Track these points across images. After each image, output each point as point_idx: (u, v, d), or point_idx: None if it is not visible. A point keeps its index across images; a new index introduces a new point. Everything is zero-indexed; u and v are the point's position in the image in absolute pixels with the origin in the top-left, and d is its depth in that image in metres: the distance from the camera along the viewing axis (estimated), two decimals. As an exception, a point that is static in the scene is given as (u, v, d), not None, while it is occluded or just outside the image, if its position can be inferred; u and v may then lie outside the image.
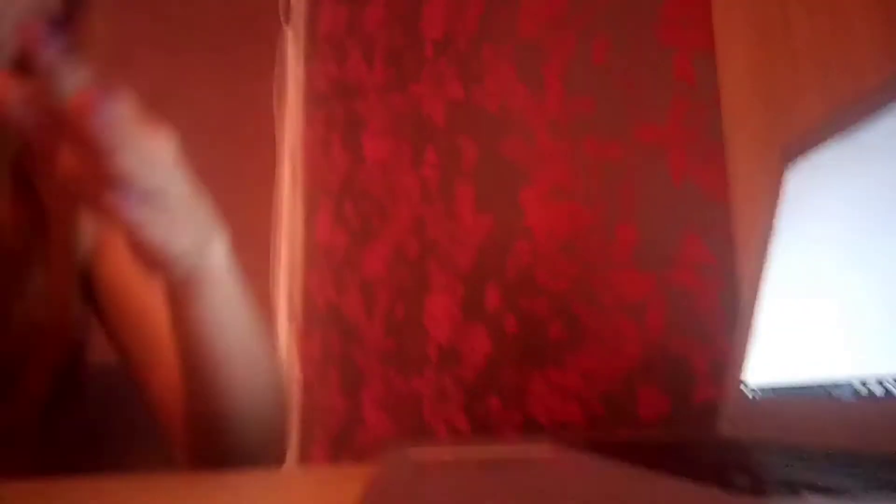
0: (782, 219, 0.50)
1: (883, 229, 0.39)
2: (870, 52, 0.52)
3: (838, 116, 0.46)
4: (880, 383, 0.37)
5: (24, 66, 0.46)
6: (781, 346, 0.47)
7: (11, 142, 0.60)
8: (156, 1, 1.48)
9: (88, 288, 0.64)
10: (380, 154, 1.31)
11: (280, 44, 1.67)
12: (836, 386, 0.40)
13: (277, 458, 0.57)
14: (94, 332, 0.66)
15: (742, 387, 0.49)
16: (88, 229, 0.64)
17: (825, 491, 0.21)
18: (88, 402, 0.69)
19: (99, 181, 0.40)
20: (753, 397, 0.48)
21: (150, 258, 0.45)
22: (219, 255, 0.50)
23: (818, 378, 0.42)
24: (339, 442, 1.35)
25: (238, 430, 0.52)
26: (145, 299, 0.61)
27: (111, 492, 0.39)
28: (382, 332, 1.23)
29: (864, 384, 0.38)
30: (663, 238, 0.72)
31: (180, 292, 0.48)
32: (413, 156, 1.20)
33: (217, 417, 0.51)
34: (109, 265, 0.64)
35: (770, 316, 0.49)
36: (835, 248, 0.44)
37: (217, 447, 0.53)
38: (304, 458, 1.49)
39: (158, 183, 0.43)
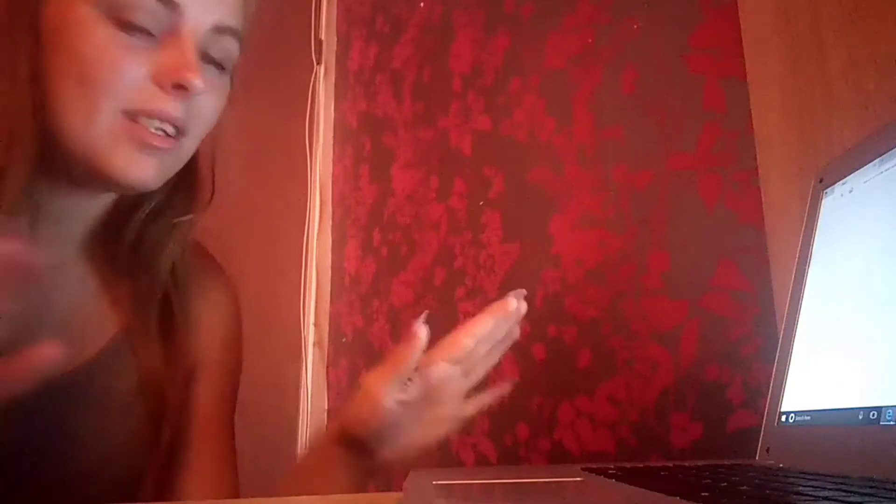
0: (818, 243, 0.50)
1: (922, 251, 0.39)
2: (903, 78, 0.52)
3: (873, 140, 0.46)
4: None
5: None
6: (819, 372, 0.46)
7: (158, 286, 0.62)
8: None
9: None
10: (408, 185, 1.33)
11: (312, 82, 1.71)
12: (876, 411, 0.39)
13: None
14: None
15: (778, 413, 0.48)
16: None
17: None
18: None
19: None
20: (790, 424, 0.47)
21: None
22: None
23: (857, 403, 0.41)
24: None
25: None
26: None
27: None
28: (409, 361, 1.23)
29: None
30: (696, 264, 0.71)
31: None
32: (441, 186, 1.21)
33: None
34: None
35: (807, 341, 0.48)
36: (872, 272, 0.43)
37: None
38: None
39: None
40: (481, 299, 1.05)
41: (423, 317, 0.58)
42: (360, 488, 0.60)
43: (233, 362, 0.70)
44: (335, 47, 1.75)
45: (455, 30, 1.22)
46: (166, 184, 0.60)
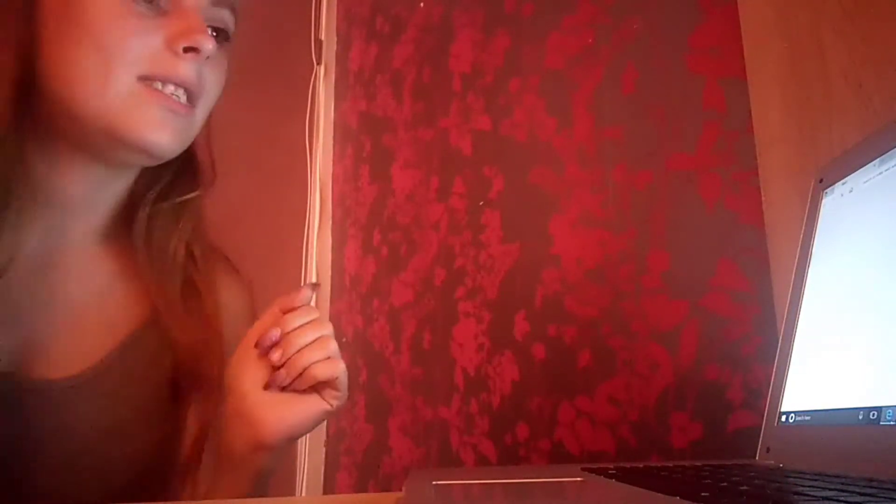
0: (818, 243, 0.50)
1: (922, 251, 0.39)
2: (903, 78, 0.52)
3: (873, 140, 0.46)
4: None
5: None
6: (819, 372, 0.46)
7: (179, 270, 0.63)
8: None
9: None
10: (408, 185, 1.33)
11: (312, 82, 1.71)
12: (876, 411, 0.39)
13: None
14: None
15: (778, 413, 0.48)
16: None
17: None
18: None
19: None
20: (790, 424, 0.47)
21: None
22: None
23: (857, 403, 0.41)
24: (365, 470, 1.34)
25: None
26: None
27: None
28: (409, 360, 1.23)
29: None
30: (696, 264, 0.71)
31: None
32: (441, 186, 1.21)
33: None
34: None
35: (807, 341, 0.48)
36: (872, 272, 0.43)
37: None
38: (330, 486, 1.48)
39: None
40: (481, 299, 1.05)
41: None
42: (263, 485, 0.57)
43: None
44: (335, 47, 1.75)
45: (455, 30, 1.22)
46: (171, 165, 0.62)
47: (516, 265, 0.99)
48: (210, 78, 0.58)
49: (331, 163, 1.70)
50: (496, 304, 1.01)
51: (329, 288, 1.62)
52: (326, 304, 1.61)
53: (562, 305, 0.88)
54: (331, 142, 1.71)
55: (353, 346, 1.46)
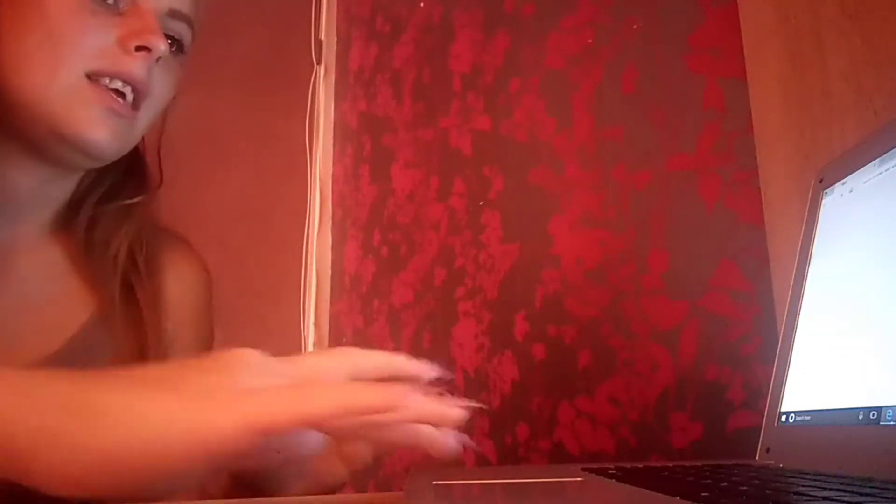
0: (818, 243, 0.50)
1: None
2: (903, 78, 0.52)
3: (873, 140, 0.46)
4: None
5: None
6: (819, 372, 0.46)
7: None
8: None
9: None
10: (408, 185, 1.33)
11: (312, 82, 1.71)
12: (876, 411, 0.39)
13: None
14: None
15: (778, 413, 0.48)
16: None
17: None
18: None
19: None
20: (790, 424, 0.47)
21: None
22: None
23: (857, 403, 0.41)
24: (365, 470, 1.34)
25: None
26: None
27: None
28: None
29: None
30: (696, 264, 0.71)
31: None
32: (441, 186, 1.21)
33: None
34: None
35: (807, 341, 0.48)
36: (872, 272, 0.43)
37: None
38: (329, 488, 1.48)
39: None
40: (481, 299, 1.05)
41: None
42: None
43: (205, 337, 0.70)
44: (335, 47, 1.75)
45: (455, 30, 1.22)
46: (117, 167, 0.62)
47: (516, 265, 0.99)
48: (159, 82, 0.58)
49: (331, 163, 1.70)
50: (496, 304, 1.01)
51: (329, 288, 1.62)
52: (326, 305, 1.61)
53: (562, 305, 0.88)
54: (331, 142, 1.71)
55: (354, 346, 1.46)
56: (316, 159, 1.69)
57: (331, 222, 1.66)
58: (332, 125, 1.72)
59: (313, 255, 1.64)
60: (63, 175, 0.60)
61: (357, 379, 0.40)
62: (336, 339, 1.56)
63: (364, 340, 1.41)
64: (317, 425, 0.33)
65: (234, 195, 1.55)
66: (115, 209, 0.63)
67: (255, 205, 1.58)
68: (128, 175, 0.65)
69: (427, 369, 0.42)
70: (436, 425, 0.35)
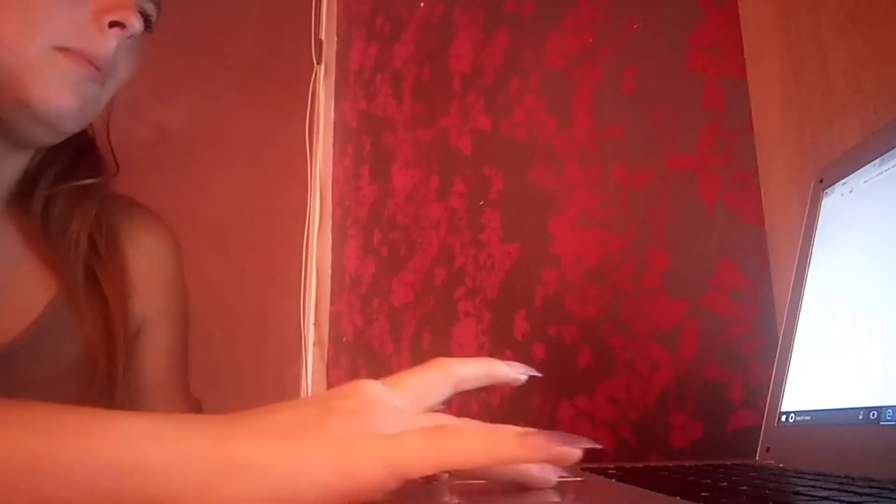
0: (818, 243, 0.50)
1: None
2: (903, 78, 0.52)
3: (873, 140, 0.46)
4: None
5: None
6: (819, 372, 0.46)
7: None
8: (190, 40, 1.53)
9: None
10: (408, 185, 1.33)
11: (312, 82, 1.71)
12: (876, 411, 0.39)
13: None
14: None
15: (778, 413, 0.49)
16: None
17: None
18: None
19: None
20: (790, 424, 0.47)
21: None
22: None
23: (857, 403, 0.41)
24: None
25: None
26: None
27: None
28: (409, 360, 1.23)
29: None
30: (696, 264, 0.71)
31: None
32: (441, 186, 1.21)
33: None
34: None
35: (807, 341, 0.48)
36: (872, 273, 0.43)
37: None
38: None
39: None
40: (481, 299, 1.05)
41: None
42: None
43: (177, 314, 0.69)
44: (335, 47, 1.75)
45: (455, 30, 1.22)
46: (67, 149, 0.61)
47: (516, 265, 0.99)
48: (122, 60, 0.57)
49: (331, 163, 1.70)
50: (496, 304, 1.01)
51: (329, 288, 1.62)
52: (326, 305, 1.61)
53: (562, 305, 0.88)
54: (331, 142, 1.71)
55: (353, 346, 1.46)
56: (316, 159, 1.69)
57: (331, 222, 1.66)
58: (332, 125, 1.72)
59: (313, 255, 1.64)
60: (14, 151, 0.59)
61: (459, 389, 0.40)
62: (336, 339, 1.56)
63: (364, 340, 1.41)
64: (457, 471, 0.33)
65: (233, 195, 1.55)
66: (71, 189, 0.62)
67: (255, 205, 1.58)
68: (79, 157, 0.64)
69: (520, 371, 0.41)
70: (557, 465, 0.34)
